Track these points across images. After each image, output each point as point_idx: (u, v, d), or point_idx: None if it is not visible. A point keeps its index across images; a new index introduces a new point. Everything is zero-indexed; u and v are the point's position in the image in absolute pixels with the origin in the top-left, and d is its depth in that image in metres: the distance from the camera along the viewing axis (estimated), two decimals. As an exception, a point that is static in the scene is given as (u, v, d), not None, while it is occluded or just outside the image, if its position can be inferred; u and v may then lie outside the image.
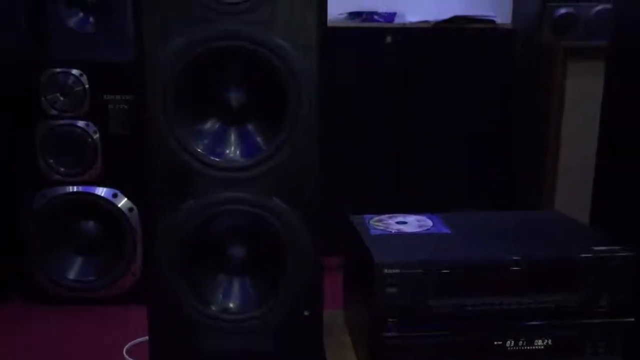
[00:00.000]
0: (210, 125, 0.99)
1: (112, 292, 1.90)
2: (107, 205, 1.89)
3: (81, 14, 1.99)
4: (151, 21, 0.94)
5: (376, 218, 1.36)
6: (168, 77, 0.94)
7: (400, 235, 1.26)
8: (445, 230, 1.29)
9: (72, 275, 1.92)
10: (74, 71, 1.86)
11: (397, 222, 1.33)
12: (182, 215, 1.00)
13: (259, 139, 0.99)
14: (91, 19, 1.99)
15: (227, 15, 0.95)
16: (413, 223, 1.33)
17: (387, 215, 1.37)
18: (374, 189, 2.31)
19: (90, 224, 1.94)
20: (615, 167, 1.36)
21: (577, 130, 2.09)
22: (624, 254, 1.17)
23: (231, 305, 1.04)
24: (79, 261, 1.94)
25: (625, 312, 1.17)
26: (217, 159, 0.98)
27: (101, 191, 1.90)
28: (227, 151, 0.99)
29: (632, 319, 1.17)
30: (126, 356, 1.59)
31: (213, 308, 1.03)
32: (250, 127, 1.01)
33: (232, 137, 0.99)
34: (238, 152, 0.99)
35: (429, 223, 1.33)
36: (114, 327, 1.79)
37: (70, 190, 1.89)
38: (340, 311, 1.46)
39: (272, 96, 0.98)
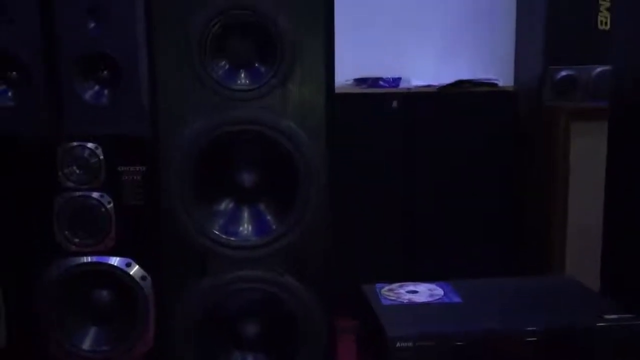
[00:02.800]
0: (224, 205, 1.02)
1: (126, 361, 1.90)
2: (120, 274, 1.91)
3: (96, 87, 2.06)
4: (167, 107, 0.99)
5: (387, 287, 1.37)
6: (185, 163, 0.99)
7: (412, 305, 1.27)
8: (457, 300, 1.30)
9: (86, 345, 1.92)
10: (90, 144, 1.91)
11: (408, 292, 1.35)
12: (198, 294, 1.02)
13: (270, 218, 1.03)
14: (106, 92, 2.06)
15: (240, 101, 1.00)
16: (424, 292, 1.34)
17: (397, 284, 1.39)
18: (384, 252, 2.32)
19: (104, 293, 1.95)
20: (624, 234, 1.38)
21: (585, 191, 2.11)
22: (635, 325, 1.17)
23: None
24: (93, 331, 1.95)
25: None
26: (231, 238, 1.01)
27: (115, 260, 1.92)
28: (241, 229, 1.02)
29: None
30: None
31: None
32: (262, 206, 1.04)
33: (245, 216, 1.03)
34: (251, 231, 1.02)
35: (440, 292, 1.34)
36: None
37: (85, 260, 1.91)
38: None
39: (283, 177, 1.02)
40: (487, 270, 2.10)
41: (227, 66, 0.98)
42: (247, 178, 1.04)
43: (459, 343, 1.13)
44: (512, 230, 2.32)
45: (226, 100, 0.98)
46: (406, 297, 1.31)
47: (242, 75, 0.98)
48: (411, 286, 1.37)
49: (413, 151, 2.31)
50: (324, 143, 1.02)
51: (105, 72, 2.08)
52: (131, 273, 1.90)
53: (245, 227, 1.02)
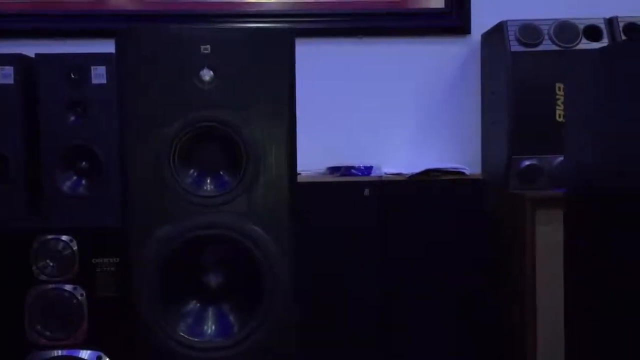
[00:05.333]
0: (191, 306, 1.05)
1: None
2: (90, 368, 1.89)
3: (74, 178, 2.11)
4: (136, 215, 1.03)
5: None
6: (153, 266, 1.02)
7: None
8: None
9: None
10: (64, 237, 1.94)
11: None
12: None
13: (234, 320, 1.06)
14: (84, 182, 2.10)
15: (209, 207, 1.05)
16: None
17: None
18: (353, 347, 2.31)
19: (73, 388, 1.93)
20: (582, 323, 1.42)
21: (552, 276, 2.16)
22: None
23: None
24: None
25: None
26: (197, 339, 1.04)
27: (85, 354, 1.91)
28: (205, 330, 1.05)
29: None
30: None
31: None
32: (227, 307, 1.07)
33: (210, 317, 1.06)
34: (215, 332, 1.05)
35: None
36: None
37: (55, 354, 1.91)
38: None
39: (248, 279, 1.06)
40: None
41: (195, 174, 1.04)
42: (214, 279, 1.07)
43: None
44: (487, 318, 2.34)
45: (194, 206, 1.03)
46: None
47: (209, 182, 1.04)
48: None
49: (385, 237, 2.36)
50: (288, 243, 1.06)
51: (84, 164, 2.14)
52: (102, 367, 1.89)
53: (210, 328, 1.05)
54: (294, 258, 1.07)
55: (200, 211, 1.03)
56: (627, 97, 1.29)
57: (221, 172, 1.04)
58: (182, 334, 1.02)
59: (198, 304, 1.06)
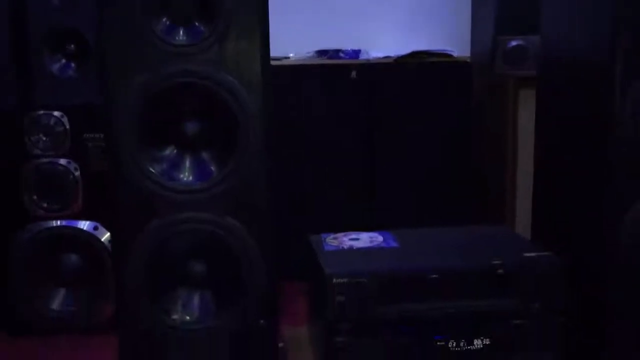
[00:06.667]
0: (168, 152, 1.11)
1: (93, 321, 1.99)
2: (88, 237, 2.00)
3: (63, 61, 2.14)
4: (114, 63, 1.07)
5: (332, 236, 1.47)
6: (130, 111, 1.07)
7: (352, 250, 1.38)
8: (394, 245, 1.41)
9: (55, 306, 2.02)
10: (56, 113, 1.99)
11: (351, 239, 1.45)
12: (146, 235, 1.11)
13: (211, 166, 1.12)
14: (72, 65, 2.14)
15: (182, 55, 1.09)
16: (365, 239, 1.45)
17: (342, 234, 1.49)
18: (342, 213, 2.42)
19: (73, 256, 2.04)
20: (548, 187, 1.49)
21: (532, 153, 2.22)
22: (552, 260, 1.29)
23: (190, 316, 1.15)
24: (62, 292, 2.04)
25: (557, 312, 1.28)
26: (174, 183, 1.10)
27: (83, 224, 2.01)
28: (183, 176, 1.12)
29: (563, 319, 1.28)
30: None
31: (174, 318, 1.14)
32: (204, 154, 1.13)
33: (188, 163, 1.12)
34: (192, 176, 1.11)
35: (380, 239, 1.45)
36: (95, 353, 1.87)
37: (53, 224, 2.00)
38: (305, 327, 1.57)
39: (223, 127, 1.11)
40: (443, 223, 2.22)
41: (167, 23, 1.07)
42: (190, 127, 1.13)
43: (388, 280, 1.23)
44: (471, 189, 2.42)
45: (167, 55, 1.07)
46: (347, 244, 1.42)
47: (182, 32, 1.07)
48: (354, 235, 1.48)
49: (371, 117, 2.41)
50: (261, 96, 1.11)
51: (72, 47, 2.16)
52: (99, 237, 1.99)
53: (187, 174, 1.11)
54: (269, 110, 1.12)
55: (176, 60, 1.07)
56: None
57: (196, 23, 1.07)
58: (160, 175, 1.08)
59: (175, 150, 1.12)
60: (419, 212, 2.39)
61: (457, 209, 2.39)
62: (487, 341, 1.27)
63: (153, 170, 1.08)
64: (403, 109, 2.41)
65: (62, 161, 1.98)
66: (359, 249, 1.38)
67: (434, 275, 1.25)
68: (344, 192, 2.43)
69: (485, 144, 2.47)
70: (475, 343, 1.27)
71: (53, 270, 2.02)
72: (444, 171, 2.42)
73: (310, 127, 2.40)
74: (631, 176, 1.19)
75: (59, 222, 2.00)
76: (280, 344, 1.15)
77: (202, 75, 1.08)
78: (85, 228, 1.99)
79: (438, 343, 1.26)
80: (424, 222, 2.34)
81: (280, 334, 1.57)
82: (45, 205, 1.98)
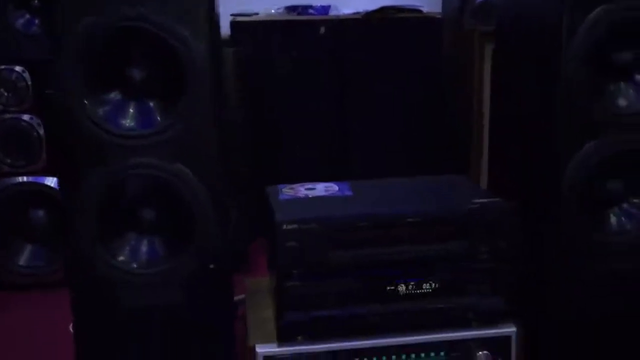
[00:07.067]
0: (113, 96, 1.11)
1: (60, 276, 2.01)
2: (54, 193, 2.00)
3: (27, 16, 2.11)
4: (63, 5, 1.07)
5: (288, 187, 1.49)
6: (76, 54, 1.07)
7: (306, 199, 1.39)
8: (348, 193, 1.42)
9: (22, 262, 2.03)
10: (17, 68, 1.97)
11: (307, 189, 1.46)
12: (94, 180, 1.12)
13: (157, 112, 1.13)
14: (37, 21, 2.11)
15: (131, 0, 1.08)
16: (321, 189, 1.46)
17: (299, 184, 1.50)
18: (315, 171, 2.43)
19: (39, 212, 2.05)
20: (502, 138, 1.51)
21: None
22: (501, 205, 1.31)
23: (141, 261, 1.17)
24: (29, 248, 2.05)
25: (505, 257, 1.31)
26: (121, 128, 1.11)
27: (50, 181, 2.01)
28: (129, 122, 1.12)
29: (510, 264, 1.31)
30: (71, 329, 1.71)
31: (125, 263, 1.16)
32: (150, 101, 1.14)
33: (133, 109, 1.12)
34: (139, 123, 1.12)
35: (335, 188, 1.46)
36: (62, 307, 1.90)
37: (19, 180, 2.00)
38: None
39: (170, 75, 1.12)
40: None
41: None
42: (137, 73, 1.12)
43: (338, 225, 1.25)
44: (439, 142, 2.44)
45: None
46: (303, 193, 1.43)
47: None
48: (310, 185, 1.49)
49: (341, 74, 2.41)
50: (208, 43, 1.11)
51: (36, 2, 2.13)
52: (65, 193, 2.00)
53: (132, 120, 1.12)
54: (216, 58, 1.12)
55: (124, 4, 1.06)
56: None
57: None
58: (103, 119, 1.08)
59: (120, 96, 1.12)
60: (391, 167, 2.41)
61: (428, 162, 2.41)
62: (436, 285, 1.30)
63: (99, 115, 1.08)
64: (372, 64, 2.40)
65: (25, 117, 1.97)
66: (313, 198, 1.39)
67: (384, 221, 1.27)
68: (317, 148, 2.44)
69: (455, 98, 2.48)
70: (424, 287, 1.30)
71: (20, 227, 2.03)
72: (415, 125, 2.43)
73: (278, 84, 2.39)
74: (575, 123, 1.21)
75: (24, 179, 2.00)
76: (211, 266, 1.17)
77: (150, 21, 1.08)
78: (51, 184, 1.99)
79: (388, 287, 1.29)
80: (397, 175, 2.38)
81: (246, 285, 1.60)
82: (9, 161, 1.98)
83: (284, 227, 1.24)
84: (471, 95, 2.28)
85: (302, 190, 1.45)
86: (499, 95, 1.55)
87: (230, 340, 1.29)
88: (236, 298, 1.57)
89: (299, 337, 1.29)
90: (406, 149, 2.46)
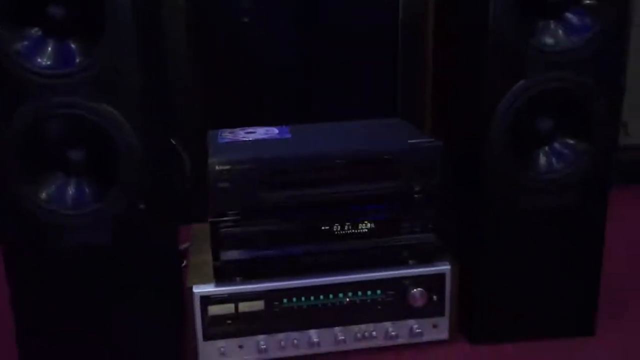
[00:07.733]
0: (32, 32, 1.09)
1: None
2: None
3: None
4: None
5: (229, 131, 1.48)
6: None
7: (243, 142, 1.39)
8: (287, 136, 1.43)
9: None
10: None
11: (247, 133, 1.46)
12: (16, 121, 1.11)
13: (77, 52, 1.11)
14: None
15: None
16: (261, 132, 1.46)
17: (240, 128, 1.50)
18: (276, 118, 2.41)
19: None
20: (441, 84, 1.53)
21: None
22: (434, 145, 1.32)
23: (70, 201, 1.17)
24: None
25: (436, 195, 1.33)
26: (35, 66, 1.09)
27: None
28: (46, 60, 1.10)
29: (441, 202, 1.33)
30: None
31: (52, 204, 1.16)
32: (70, 40, 1.12)
33: (52, 48, 1.10)
34: (56, 61, 1.10)
35: (275, 132, 1.46)
36: None
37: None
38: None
39: (91, 13, 1.10)
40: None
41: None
42: (55, 10, 1.10)
43: (271, 166, 1.26)
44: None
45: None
46: (242, 137, 1.43)
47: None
48: (251, 129, 1.49)
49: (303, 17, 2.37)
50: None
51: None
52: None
53: (51, 59, 1.10)
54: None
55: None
56: None
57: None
58: (23, 58, 1.07)
59: (39, 33, 1.10)
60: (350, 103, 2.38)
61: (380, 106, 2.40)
62: (371, 225, 1.32)
63: (15, 50, 1.07)
64: (331, 18, 2.37)
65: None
66: (251, 141, 1.39)
67: (317, 162, 1.28)
68: (279, 93, 2.41)
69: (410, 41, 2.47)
70: (360, 227, 1.31)
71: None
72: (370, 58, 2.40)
73: (240, 30, 2.35)
74: (502, 70, 1.22)
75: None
76: (141, 206, 1.18)
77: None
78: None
79: (323, 227, 1.30)
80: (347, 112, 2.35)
81: (192, 231, 1.60)
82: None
83: (217, 167, 1.24)
84: (425, 49, 2.27)
85: (242, 134, 1.45)
86: (438, 43, 1.56)
87: (177, 287, 1.30)
88: (183, 246, 1.59)
89: (238, 278, 1.31)
90: (361, 84, 2.42)
